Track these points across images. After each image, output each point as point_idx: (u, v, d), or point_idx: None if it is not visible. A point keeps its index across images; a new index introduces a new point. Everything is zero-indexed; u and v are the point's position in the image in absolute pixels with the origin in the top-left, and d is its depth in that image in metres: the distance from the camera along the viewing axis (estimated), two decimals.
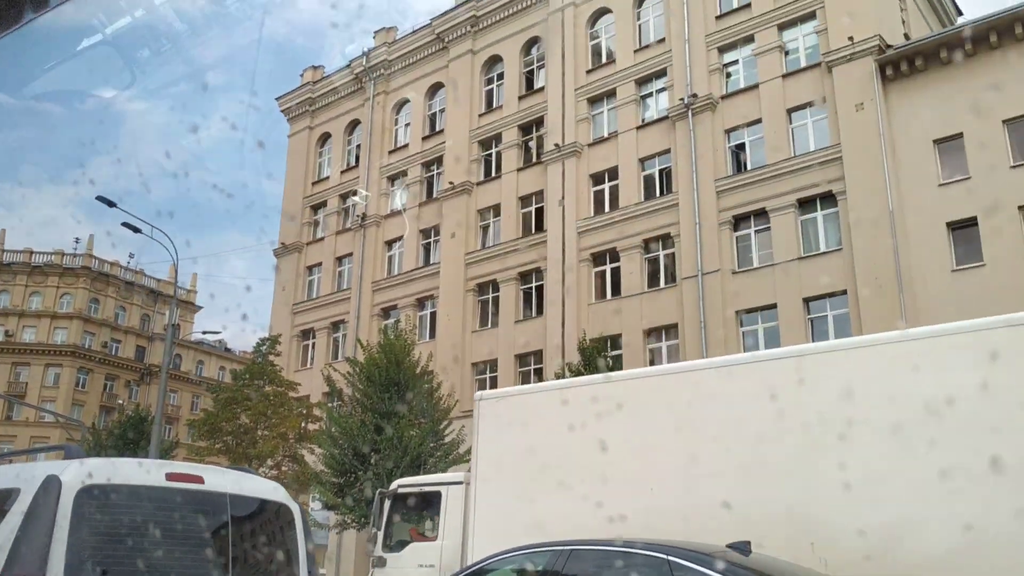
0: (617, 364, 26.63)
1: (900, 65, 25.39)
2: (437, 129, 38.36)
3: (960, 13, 36.68)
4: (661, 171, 30.39)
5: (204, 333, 50.38)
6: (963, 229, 23.43)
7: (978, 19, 24.41)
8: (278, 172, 44.20)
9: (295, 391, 29.39)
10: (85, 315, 66.36)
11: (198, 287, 74.14)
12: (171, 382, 58.37)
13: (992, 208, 22.89)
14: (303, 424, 27.54)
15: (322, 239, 41.28)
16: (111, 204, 24.81)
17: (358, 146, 41.36)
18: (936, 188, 24.15)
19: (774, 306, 26.33)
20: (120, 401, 61.45)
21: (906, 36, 29.29)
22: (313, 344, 39.61)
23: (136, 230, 25.41)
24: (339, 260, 40.20)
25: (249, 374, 28.51)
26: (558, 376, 22.78)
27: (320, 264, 40.86)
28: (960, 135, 23.99)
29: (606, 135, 32.19)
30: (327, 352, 38.70)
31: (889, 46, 26.04)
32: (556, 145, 32.54)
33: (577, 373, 21.41)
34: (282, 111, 44.65)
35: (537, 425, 11.43)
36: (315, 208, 42.50)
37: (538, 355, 31.15)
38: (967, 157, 23.80)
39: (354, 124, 42.03)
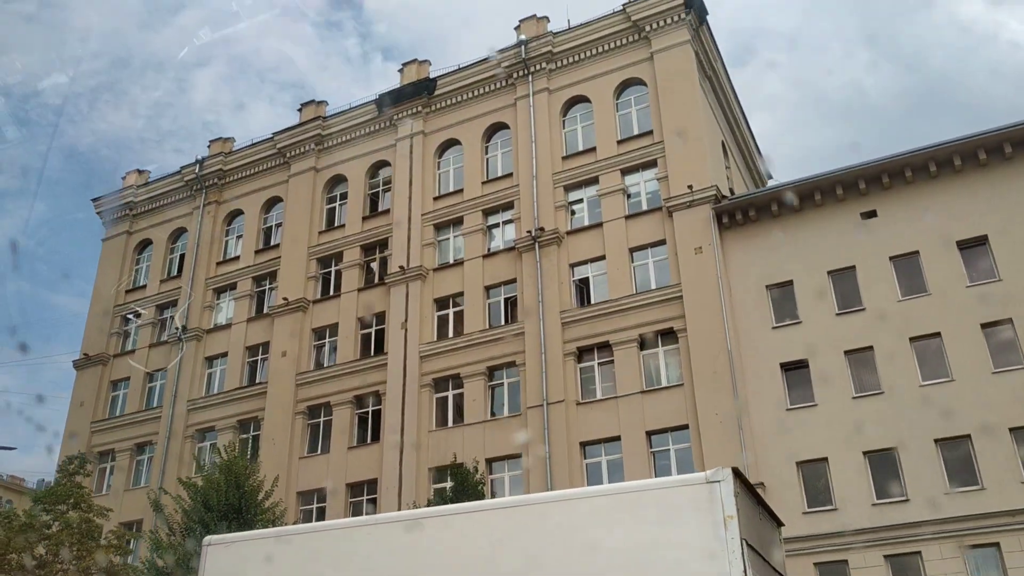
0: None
1: (736, 214, 27.32)
2: (272, 243, 37.00)
3: (770, 176, 40.46)
4: (507, 299, 30.58)
5: None
6: (796, 370, 24.92)
7: (805, 179, 26.77)
8: (83, 280, 40.88)
9: (106, 518, 26.03)
10: None
11: None
12: None
13: (821, 352, 24.57)
14: (110, 557, 24.26)
15: (132, 351, 38.07)
16: None
17: (182, 255, 39.13)
18: (770, 331, 25.71)
19: (618, 438, 26.60)
20: None
21: (731, 191, 31.82)
22: (112, 468, 35.78)
23: None
24: (150, 375, 37.07)
25: (52, 497, 25.01)
26: (416, 505, 21.58)
27: (128, 379, 37.47)
28: (791, 282, 25.88)
29: (452, 261, 32.19)
30: (128, 477, 35.03)
31: (724, 196, 28.05)
32: (400, 267, 32.14)
33: (450, 500, 20.37)
34: (98, 213, 41.72)
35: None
36: (127, 319, 39.37)
37: (372, 484, 29.58)
38: (797, 303, 25.63)
39: (179, 232, 39.86)
